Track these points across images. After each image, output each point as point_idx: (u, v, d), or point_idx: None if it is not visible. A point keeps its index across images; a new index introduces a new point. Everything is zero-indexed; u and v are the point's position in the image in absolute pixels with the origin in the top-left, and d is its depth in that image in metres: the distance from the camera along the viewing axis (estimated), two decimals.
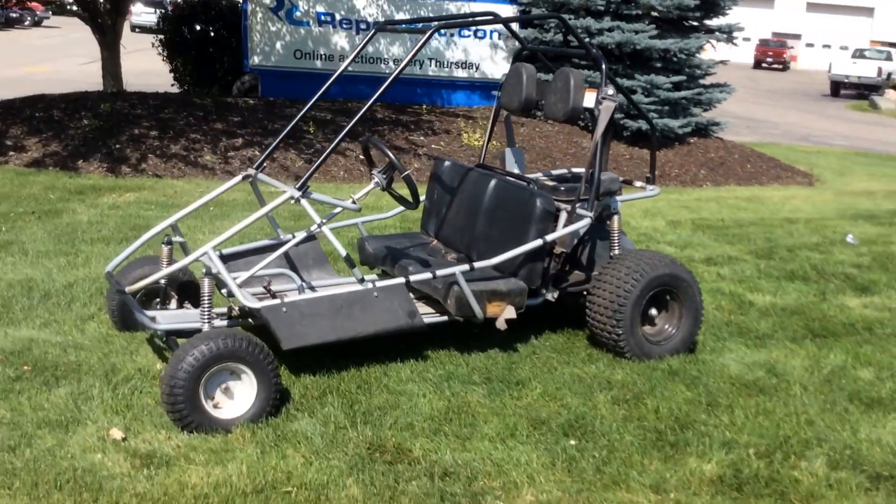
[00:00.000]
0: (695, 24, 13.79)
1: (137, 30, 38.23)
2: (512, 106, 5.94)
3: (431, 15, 14.05)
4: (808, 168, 14.55)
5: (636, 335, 5.32)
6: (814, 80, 43.08)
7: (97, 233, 7.62)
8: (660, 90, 13.04)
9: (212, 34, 14.31)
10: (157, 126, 11.82)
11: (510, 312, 5.19)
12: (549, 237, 5.23)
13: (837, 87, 35.52)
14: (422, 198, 5.41)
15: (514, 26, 7.22)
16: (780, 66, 50.37)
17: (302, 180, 4.78)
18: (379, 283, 4.89)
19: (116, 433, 4.18)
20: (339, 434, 4.32)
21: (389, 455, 4.15)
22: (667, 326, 5.49)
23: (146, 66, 20.06)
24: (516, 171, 6.06)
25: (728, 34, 13.77)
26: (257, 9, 13.40)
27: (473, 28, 14.23)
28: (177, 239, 5.25)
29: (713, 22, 13.98)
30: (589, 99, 5.44)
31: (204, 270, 4.59)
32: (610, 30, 12.93)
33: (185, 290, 5.36)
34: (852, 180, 13.89)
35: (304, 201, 4.76)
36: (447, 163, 6.07)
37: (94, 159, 10.71)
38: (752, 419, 4.68)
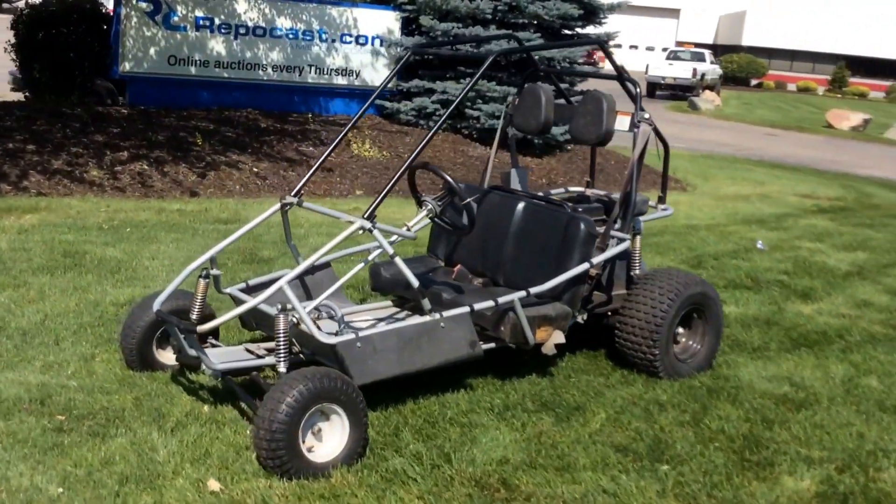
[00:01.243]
0: (577, 32, 14.14)
1: None
2: (529, 127, 5.89)
3: (314, 19, 13.74)
4: (672, 172, 15.16)
5: (670, 354, 5.39)
6: None
7: (29, 261, 6.97)
8: None
9: (72, 38, 13.33)
10: (32, 139, 10.99)
11: (559, 337, 5.15)
12: (595, 260, 5.22)
13: (653, 88, 37.25)
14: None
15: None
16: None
17: (369, 210, 4.53)
18: (446, 314, 4.72)
19: (214, 484, 3.89)
20: (438, 472, 4.18)
21: (503, 492, 4.05)
22: (692, 344, 5.60)
23: None
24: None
25: (605, 42, 14.18)
26: (132, 13, 12.67)
27: (355, 34, 14.02)
28: (214, 272, 4.88)
29: (592, 30, 14.38)
30: (621, 122, 5.48)
31: (278, 307, 4.30)
32: (497, 38, 13.03)
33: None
34: (719, 184, 14.62)
35: (375, 231, 4.52)
36: (461, 185, 5.92)
37: None
38: (810, 434, 4.85)
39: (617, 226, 5.48)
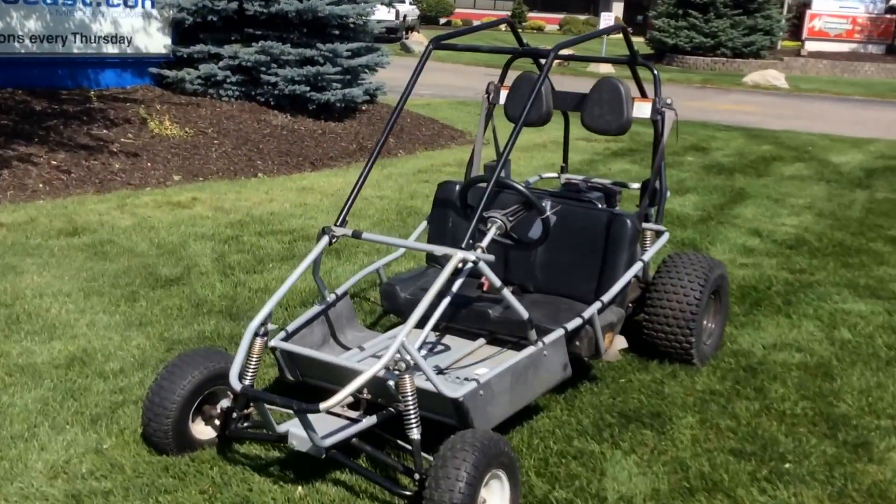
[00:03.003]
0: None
1: None
2: (529, 118, 5.50)
3: None
4: (464, 127, 15.13)
5: (701, 340, 5.36)
6: None
7: None
8: (341, 58, 12.74)
9: None
10: None
11: (621, 342, 4.95)
12: (646, 257, 5.04)
13: None
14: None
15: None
16: None
17: (466, 238, 4.04)
18: (546, 340, 4.34)
19: None
20: None
21: None
22: (708, 324, 5.59)
23: None
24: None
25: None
26: None
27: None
28: (270, 327, 4.15)
29: None
30: (640, 109, 5.29)
31: (397, 366, 3.73)
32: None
33: None
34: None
35: (482, 264, 4.04)
36: (459, 187, 5.45)
37: None
38: (864, 403, 5.03)
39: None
